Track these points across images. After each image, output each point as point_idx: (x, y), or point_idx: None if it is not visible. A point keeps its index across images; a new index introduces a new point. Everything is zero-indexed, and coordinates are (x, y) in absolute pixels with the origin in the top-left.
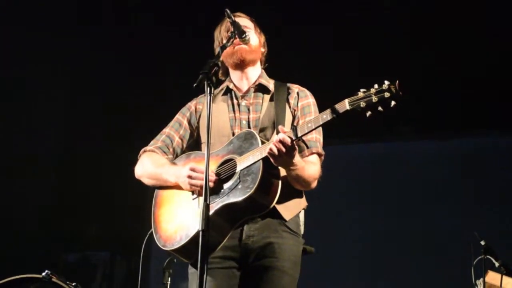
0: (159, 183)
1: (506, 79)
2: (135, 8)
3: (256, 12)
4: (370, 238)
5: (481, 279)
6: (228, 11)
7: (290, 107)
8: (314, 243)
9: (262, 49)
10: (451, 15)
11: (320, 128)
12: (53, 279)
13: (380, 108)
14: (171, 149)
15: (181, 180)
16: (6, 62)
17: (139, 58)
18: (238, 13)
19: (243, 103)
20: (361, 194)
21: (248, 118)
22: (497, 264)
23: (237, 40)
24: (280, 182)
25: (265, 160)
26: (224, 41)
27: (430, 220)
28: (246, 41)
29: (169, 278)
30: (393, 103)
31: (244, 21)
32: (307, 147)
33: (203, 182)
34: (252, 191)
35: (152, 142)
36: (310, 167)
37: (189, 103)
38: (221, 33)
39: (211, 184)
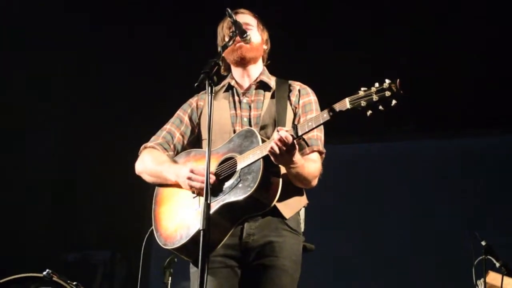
0: (159, 180)
1: (506, 79)
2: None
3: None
4: (370, 238)
5: (482, 280)
6: (230, 10)
7: (291, 104)
8: (313, 242)
9: (265, 46)
10: (451, 15)
11: (322, 126)
12: (54, 278)
13: (381, 107)
14: (171, 146)
15: (181, 180)
16: (6, 61)
17: (139, 58)
18: (241, 10)
19: (245, 100)
20: (361, 194)
21: (249, 115)
22: (497, 265)
23: (238, 39)
24: (280, 180)
25: (265, 158)
26: (226, 39)
27: (430, 220)
28: (248, 41)
29: (170, 278)
30: (394, 102)
31: (246, 18)
32: (308, 145)
33: (202, 184)
34: (252, 190)
35: (152, 138)
36: (310, 165)
37: (191, 99)
38: (223, 30)
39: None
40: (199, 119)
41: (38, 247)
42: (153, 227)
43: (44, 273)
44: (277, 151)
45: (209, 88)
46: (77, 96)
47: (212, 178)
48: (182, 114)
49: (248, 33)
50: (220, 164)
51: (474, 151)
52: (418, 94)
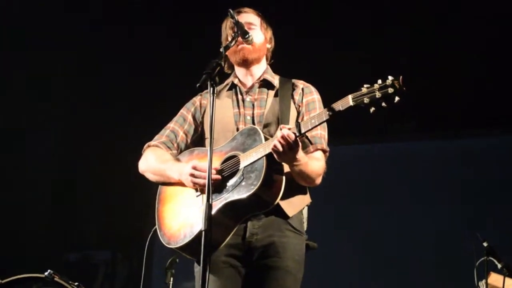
0: (162, 179)
1: (506, 79)
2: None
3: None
4: (371, 237)
5: (484, 281)
6: (232, 11)
7: (294, 103)
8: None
9: (268, 45)
10: (451, 15)
11: (325, 125)
12: (55, 279)
13: (383, 104)
14: (175, 144)
15: (184, 177)
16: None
17: (139, 58)
18: (244, 9)
19: (248, 98)
20: (361, 194)
21: (253, 113)
22: (499, 266)
23: (240, 40)
24: (284, 178)
25: (268, 156)
26: (229, 39)
27: (430, 220)
28: (250, 42)
29: (172, 278)
30: (397, 98)
31: (249, 17)
32: (311, 143)
33: (205, 180)
34: (256, 188)
35: (156, 137)
36: (314, 162)
37: (194, 98)
38: (227, 29)
39: (213, 182)
40: (203, 118)
41: (39, 247)
42: (156, 226)
43: (46, 273)
44: (280, 148)
45: (211, 88)
46: (77, 96)
47: (216, 176)
48: (186, 112)
49: (250, 34)
50: (223, 162)
51: (474, 151)
52: (418, 94)
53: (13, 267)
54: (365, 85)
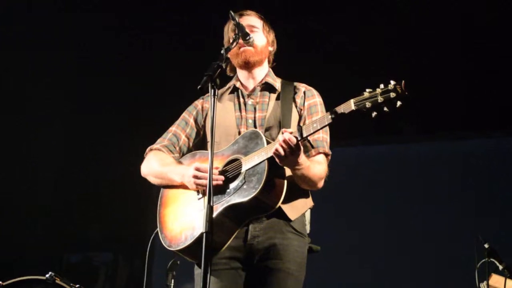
0: (164, 182)
1: (507, 79)
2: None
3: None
4: (371, 239)
5: (485, 282)
6: (232, 13)
7: (296, 106)
8: (316, 244)
9: (270, 48)
10: (452, 15)
11: (327, 128)
12: (56, 281)
13: (385, 109)
14: (177, 148)
15: (187, 179)
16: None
17: (139, 58)
18: (247, 11)
19: (250, 102)
20: (361, 194)
21: (254, 117)
22: (501, 267)
23: (241, 42)
24: (285, 182)
25: (270, 160)
26: (231, 41)
27: (431, 221)
28: (250, 43)
29: (172, 280)
30: (399, 103)
31: (251, 20)
32: (313, 147)
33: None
34: (257, 191)
35: (158, 140)
36: (315, 166)
37: (196, 101)
38: (229, 32)
39: (218, 183)
40: (205, 121)
41: (40, 249)
42: (158, 228)
43: (47, 275)
44: (282, 152)
45: (212, 90)
46: (80, 95)
47: (220, 177)
48: (188, 116)
49: (250, 36)
50: (225, 165)
51: (474, 152)
52: (418, 95)
53: (14, 269)
54: (367, 90)
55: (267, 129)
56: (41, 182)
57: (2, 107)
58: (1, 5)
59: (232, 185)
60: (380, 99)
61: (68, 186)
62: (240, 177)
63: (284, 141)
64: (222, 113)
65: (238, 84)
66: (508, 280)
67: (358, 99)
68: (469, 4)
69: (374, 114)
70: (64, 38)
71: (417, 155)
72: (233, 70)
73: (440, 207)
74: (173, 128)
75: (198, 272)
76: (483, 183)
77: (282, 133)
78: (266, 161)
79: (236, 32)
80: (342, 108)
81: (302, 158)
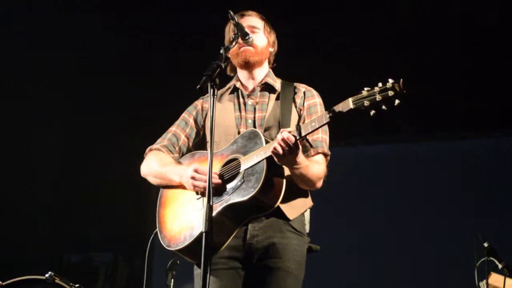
0: (164, 182)
1: (507, 79)
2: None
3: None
4: (371, 238)
5: (484, 281)
6: (232, 13)
7: (296, 106)
8: (316, 243)
9: (271, 49)
10: (452, 15)
11: (327, 128)
12: (56, 281)
13: (384, 107)
14: (177, 148)
15: (185, 180)
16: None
17: (139, 58)
18: (248, 12)
19: (249, 102)
20: (360, 194)
21: (254, 117)
22: (500, 266)
23: (241, 41)
24: (284, 181)
25: (269, 159)
26: (231, 40)
27: (431, 220)
28: (250, 43)
29: (172, 280)
30: (397, 101)
31: (252, 20)
32: (312, 147)
33: (206, 184)
34: (256, 190)
35: (158, 140)
36: (314, 166)
37: (196, 102)
38: (229, 32)
39: (214, 186)
40: (204, 121)
41: (40, 249)
42: (157, 228)
43: (47, 275)
44: (280, 151)
45: (211, 90)
46: (80, 95)
47: (217, 181)
48: (187, 116)
49: (250, 36)
50: (224, 165)
51: (474, 151)
52: (418, 95)
53: (14, 269)
54: (365, 88)
55: (266, 129)
56: (41, 182)
57: (2, 107)
58: (1, 5)
59: (231, 185)
60: (378, 97)
61: (68, 186)
62: (239, 177)
63: (283, 139)
64: (221, 113)
65: (238, 84)
66: (507, 279)
67: (356, 98)
68: (469, 4)
69: (372, 112)
70: (64, 38)
71: (416, 155)
72: (234, 70)
73: (439, 207)
74: (172, 128)
75: (197, 272)
76: (482, 183)
77: (281, 132)
78: (265, 160)
79: (236, 32)
80: (340, 107)
81: (301, 157)
